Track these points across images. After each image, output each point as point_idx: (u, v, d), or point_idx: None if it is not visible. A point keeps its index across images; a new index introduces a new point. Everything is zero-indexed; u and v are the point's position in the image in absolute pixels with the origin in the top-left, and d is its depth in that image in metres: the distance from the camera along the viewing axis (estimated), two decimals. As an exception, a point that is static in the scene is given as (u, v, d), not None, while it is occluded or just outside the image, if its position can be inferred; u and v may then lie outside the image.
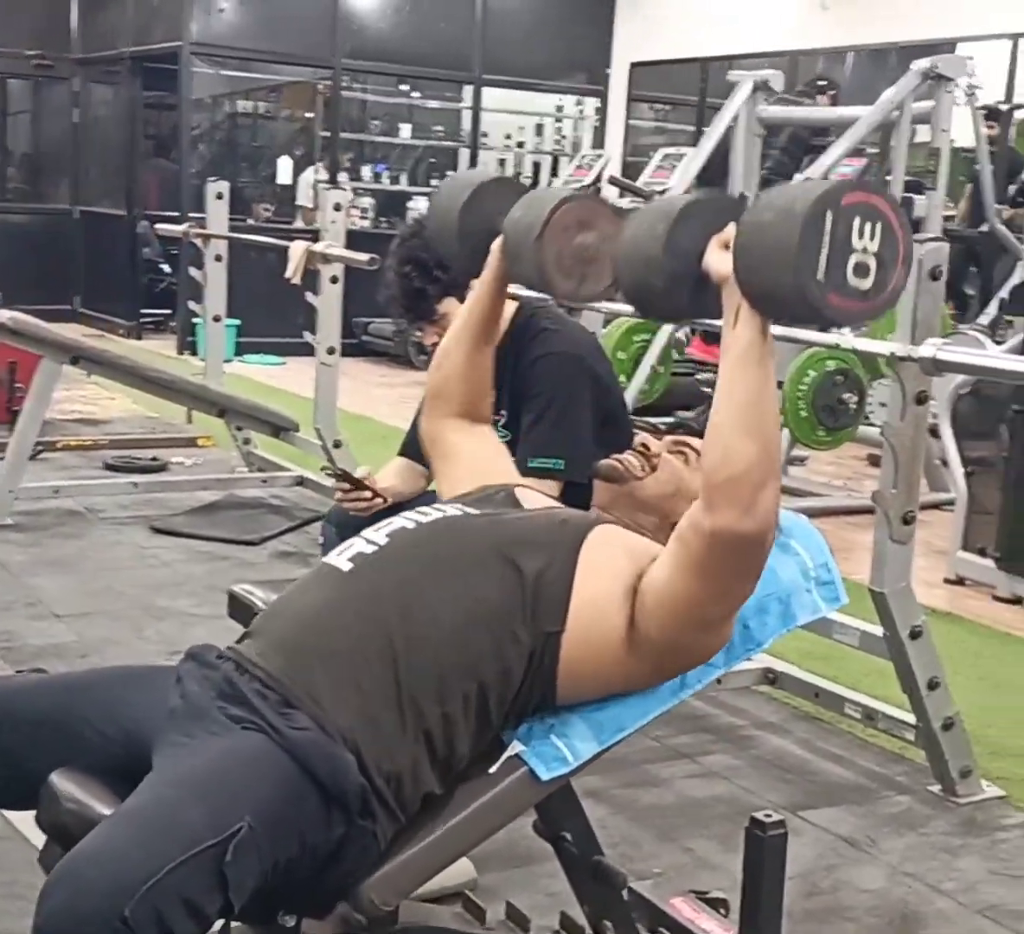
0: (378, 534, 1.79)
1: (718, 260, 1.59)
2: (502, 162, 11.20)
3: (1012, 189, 7.48)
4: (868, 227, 1.49)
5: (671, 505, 1.90)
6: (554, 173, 11.01)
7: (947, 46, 8.37)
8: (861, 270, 1.50)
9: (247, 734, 1.58)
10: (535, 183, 11.14)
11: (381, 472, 2.91)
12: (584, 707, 1.77)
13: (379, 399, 7.79)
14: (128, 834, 1.43)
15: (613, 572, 1.72)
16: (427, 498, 2.93)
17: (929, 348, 2.58)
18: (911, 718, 2.98)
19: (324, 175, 9.94)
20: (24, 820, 1.99)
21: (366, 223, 9.88)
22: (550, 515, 1.86)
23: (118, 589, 4.08)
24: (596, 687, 1.75)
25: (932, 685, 2.84)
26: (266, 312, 8.39)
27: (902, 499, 2.71)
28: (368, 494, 2.77)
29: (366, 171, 10.34)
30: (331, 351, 4.61)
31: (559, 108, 11.18)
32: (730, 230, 1.58)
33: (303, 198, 10.14)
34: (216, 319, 5.45)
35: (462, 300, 2.75)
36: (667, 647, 1.71)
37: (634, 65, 10.49)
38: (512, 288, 2.08)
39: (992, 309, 6.60)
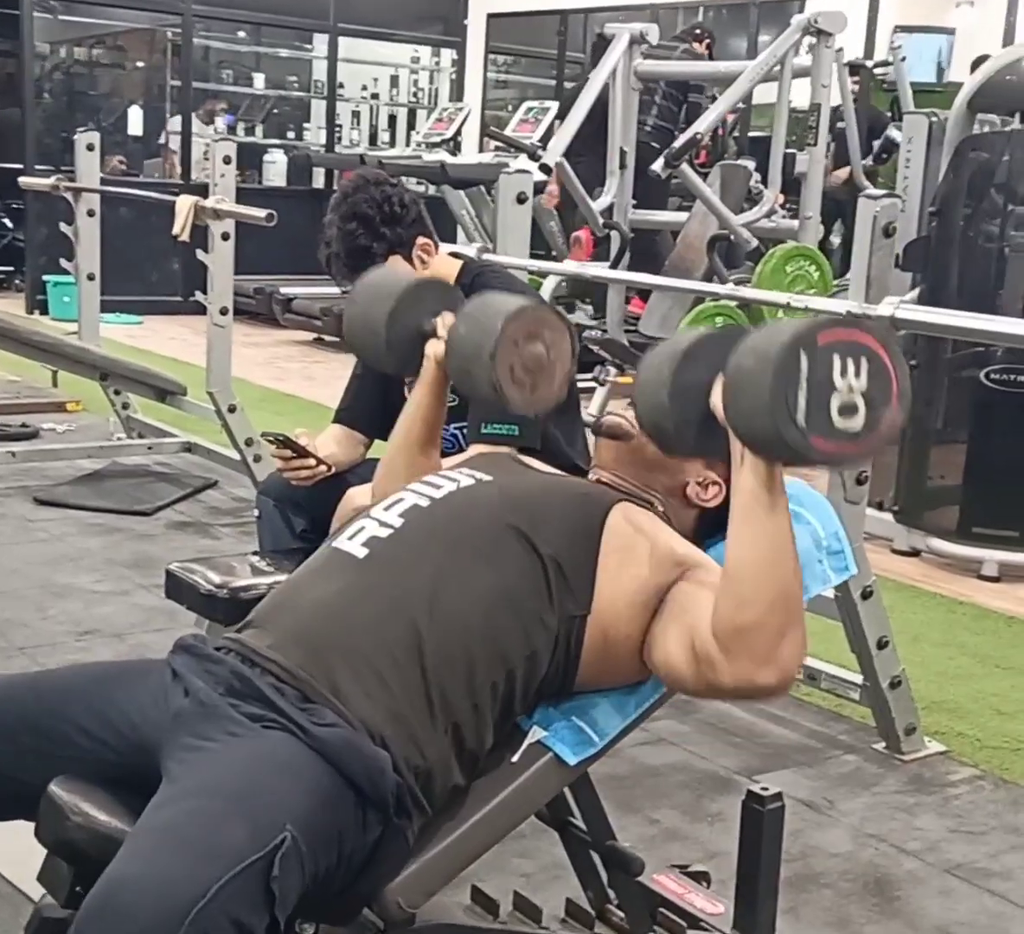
0: (389, 515, 1.69)
1: (720, 402, 1.52)
2: (356, 114, 10.95)
3: (877, 145, 7.57)
4: (852, 365, 1.41)
5: (678, 460, 1.83)
6: (411, 126, 10.81)
7: (799, 2, 8.43)
8: (848, 411, 1.41)
9: (271, 734, 1.47)
10: (393, 135, 10.94)
11: (318, 439, 2.78)
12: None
13: (248, 359, 7.56)
14: (168, 854, 1.30)
15: (637, 578, 1.65)
16: (368, 466, 2.82)
17: (887, 307, 2.55)
18: (853, 677, 2.99)
19: (177, 126, 9.60)
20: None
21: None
22: (565, 487, 1.78)
23: (10, 566, 3.86)
24: (612, 678, 1.69)
25: (881, 644, 2.85)
26: (121, 269, 8.05)
27: (856, 460, 2.69)
28: (311, 462, 2.64)
29: (219, 122, 9.99)
30: (224, 311, 4.42)
31: (415, 59, 10.96)
32: None
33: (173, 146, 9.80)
34: (90, 277, 5.19)
35: (408, 258, 2.63)
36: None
37: (491, 16, 10.33)
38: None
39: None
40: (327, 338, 8.38)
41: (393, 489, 1.90)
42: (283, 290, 8.52)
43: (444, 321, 1.89)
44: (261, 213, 3.99)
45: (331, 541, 1.71)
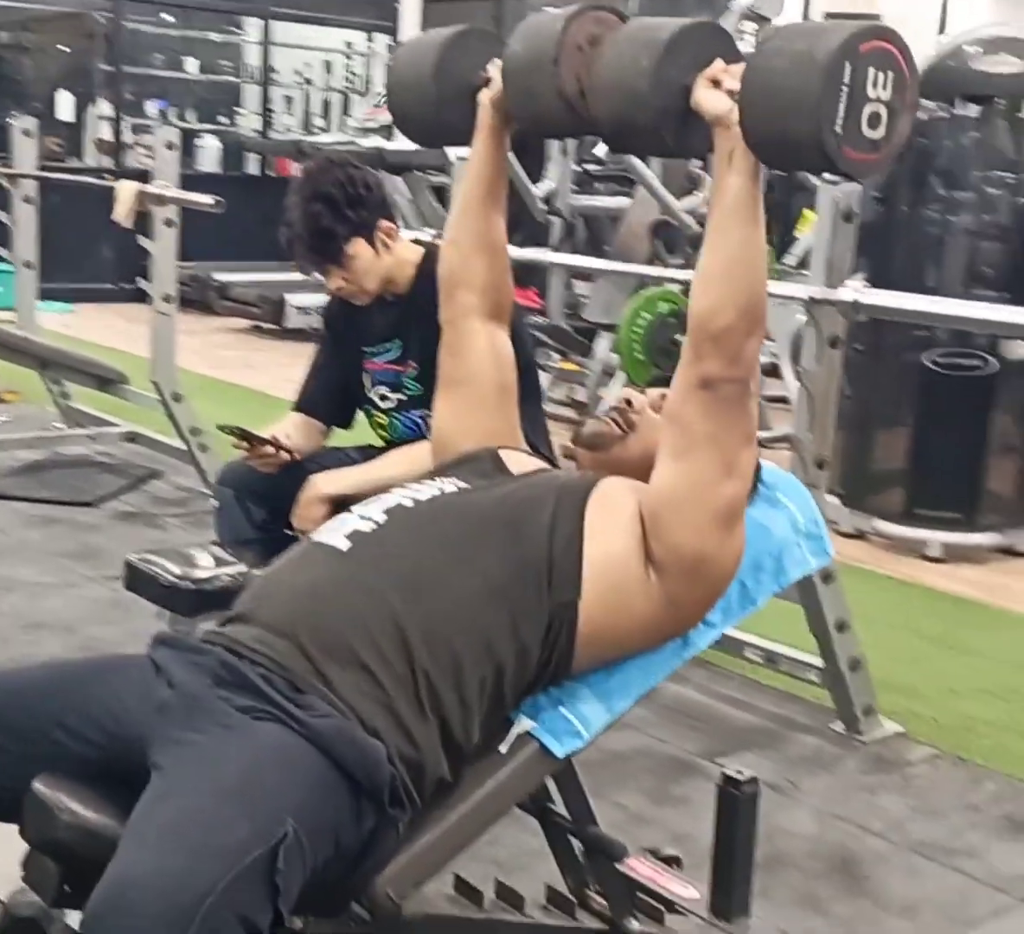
0: (372, 510, 1.67)
1: (711, 99, 1.52)
2: (289, 99, 10.85)
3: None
4: (882, 76, 1.45)
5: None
6: (346, 112, 10.72)
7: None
8: (874, 120, 1.46)
9: (264, 726, 1.45)
10: (327, 121, 10.86)
11: (277, 428, 2.75)
12: (591, 676, 1.70)
13: (184, 347, 7.39)
14: (173, 854, 1.29)
15: (618, 523, 1.65)
16: (328, 454, 2.80)
17: (849, 292, 2.57)
18: (812, 659, 3.01)
19: (107, 111, 9.45)
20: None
21: (152, 162, 9.43)
22: (547, 481, 1.76)
23: (-48, 559, 3.80)
24: (616, 649, 1.68)
25: (840, 627, 2.87)
26: (53, 256, 7.91)
27: (817, 443, 2.71)
28: (271, 450, 2.62)
29: (150, 107, 9.84)
30: (168, 299, 4.35)
31: (348, 44, 10.86)
32: (718, 66, 1.52)
33: (95, 133, 9.63)
34: (27, 265, 5.09)
35: (370, 242, 2.61)
36: (690, 563, 1.63)
37: (426, 0, 10.26)
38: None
39: (798, 250, 6.70)
40: (265, 326, 8.30)
41: (459, 256, 1.90)
42: (218, 277, 8.43)
43: (495, 65, 1.78)
44: (208, 199, 3.93)
45: (312, 536, 1.68)
